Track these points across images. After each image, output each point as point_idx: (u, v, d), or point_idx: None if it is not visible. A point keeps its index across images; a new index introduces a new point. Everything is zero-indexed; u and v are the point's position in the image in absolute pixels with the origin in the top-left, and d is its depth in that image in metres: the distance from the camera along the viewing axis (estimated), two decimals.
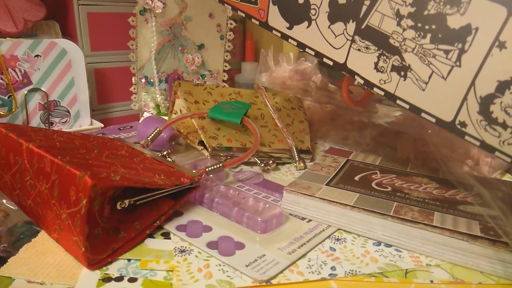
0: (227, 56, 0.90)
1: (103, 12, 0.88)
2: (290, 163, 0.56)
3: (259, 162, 0.53)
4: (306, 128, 0.61)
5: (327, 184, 0.43)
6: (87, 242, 0.31)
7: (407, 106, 0.38)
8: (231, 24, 0.88)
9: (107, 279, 0.31)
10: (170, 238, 0.37)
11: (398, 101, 0.39)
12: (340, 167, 0.48)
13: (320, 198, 0.40)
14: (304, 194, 0.41)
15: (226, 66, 0.90)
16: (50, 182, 0.34)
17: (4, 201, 0.41)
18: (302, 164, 0.54)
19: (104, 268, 0.32)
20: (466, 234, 0.33)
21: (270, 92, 0.65)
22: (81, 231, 0.31)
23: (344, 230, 0.39)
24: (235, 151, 0.53)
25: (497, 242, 0.32)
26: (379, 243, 0.37)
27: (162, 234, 0.37)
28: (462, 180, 0.45)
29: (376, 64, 0.39)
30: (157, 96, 0.84)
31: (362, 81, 0.41)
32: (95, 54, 0.89)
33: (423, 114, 0.37)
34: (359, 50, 0.40)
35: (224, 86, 0.88)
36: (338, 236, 0.38)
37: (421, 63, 0.36)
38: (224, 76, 0.91)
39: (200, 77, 0.89)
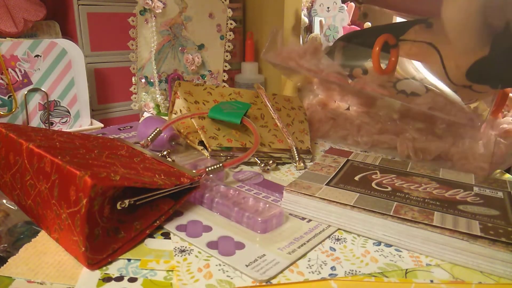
0: (227, 56, 0.90)
1: (103, 12, 0.88)
2: (290, 163, 0.56)
3: (259, 162, 0.53)
4: (306, 128, 0.61)
5: (327, 184, 0.43)
6: (87, 242, 0.31)
7: None
8: (231, 24, 0.88)
9: (107, 279, 0.31)
10: (170, 238, 0.37)
11: None
12: (340, 167, 0.48)
13: (320, 198, 0.40)
14: (304, 194, 0.41)
15: (226, 66, 0.90)
16: (50, 182, 0.34)
17: (4, 201, 0.41)
18: (302, 164, 0.54)
19: (104, 268, 0.32)
20: (466, 234, 0.33)
21: (270, 92, 0.65)
22: (81, 231, 0.31)
23: (344, 230, 0.39)
24: (235, 151, 0.53)
25: (497, 242, 0.32)
26: (379, 243, 0.37)
27: (162, 234, 0.37)
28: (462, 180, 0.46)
29: None
30: (157, 96, 0.84)
31: None
32: (95, 54, 0.88)
33: None
34: None
35: (224, 86, 0.88)
36: (338, 236, 0.38)
37: None
38: (224, 76, 0.91)
39: (200, 77, 0.89)
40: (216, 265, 0.33)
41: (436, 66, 0.51)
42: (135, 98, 0.85)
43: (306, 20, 1.00)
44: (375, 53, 0.54)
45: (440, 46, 0.51)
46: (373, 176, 0.45)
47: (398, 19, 0.85)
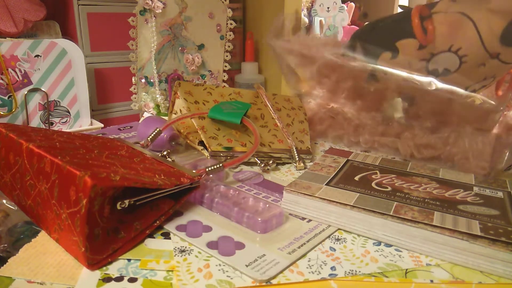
0: (227, 56, 0.90)
1: (103, 12, 0.88)
2: (290, 163, 0.56)
3: (259, 162, 0.53)
4: (306, 128, 0.61)
5: (327, 184, 0.43)
6: (87, 242, 0.31)
7: None
8: (231, 24, 0.88)
9: (107, 279, 0.31)
10: (170, 238, 0.37)
11: None
12: (340, 167, 0.48)
13: (320, 198, 0.40)
14: (304, 194, 0.41)
15: (226, 66, 0.90)
16: (50, 182, 0.34)
17: (4, 201, 0.41)
18: (302, 164, 0.54)
19: (104, 268, 0.32)
20: (466, 233, 0.33)
21: (270, 92, 0.65)
22: (81, 231, 0.31)
23: (344, 230, 0.39)
24: (235, 151, 0.53)
25: (497, 241, 0.32)
26: (379, 243, 0.37)
27: (162, 234, 0.37)
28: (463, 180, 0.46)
29: None
30: (157, 96, 0.84)
31: None
32: (95, 54, 0.88)
33: None
34: None
35: (224, 86, 0.88)
36: (338, 236, 0.38)
37: None
38: (224, 76, 0.91)
39: (200, 77, 0.89)
40: (216, 265, 0.33)
41: (470, 33, 0.53)
42: (135, 98, 0.85)
43: (306, 20, 1.00)
44: (416, 24, 0.55)
45: (472, 14, 0.53)
46: (373, 176, 0.46)
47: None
